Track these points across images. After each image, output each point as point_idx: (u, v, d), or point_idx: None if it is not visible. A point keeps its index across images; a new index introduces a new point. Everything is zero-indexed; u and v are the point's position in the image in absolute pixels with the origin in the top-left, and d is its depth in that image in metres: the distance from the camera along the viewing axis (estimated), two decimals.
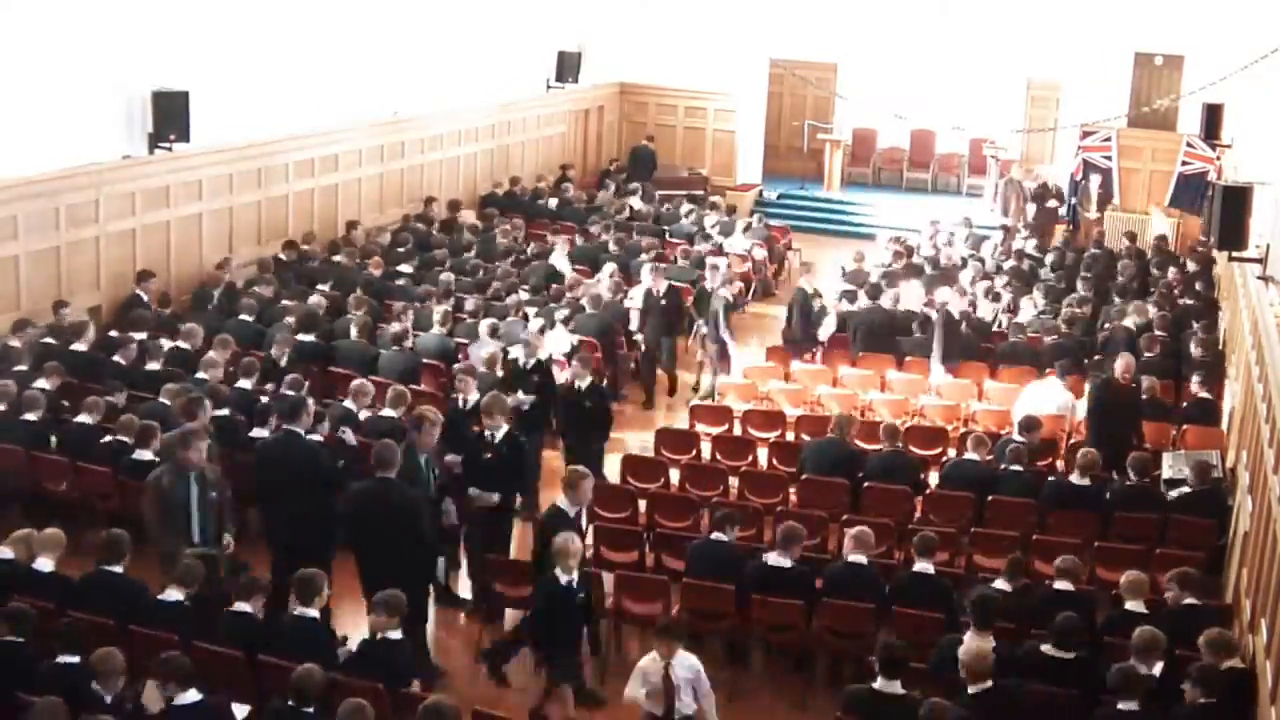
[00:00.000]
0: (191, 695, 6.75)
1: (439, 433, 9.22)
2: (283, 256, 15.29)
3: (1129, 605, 8.09)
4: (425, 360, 12.72)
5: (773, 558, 8.68)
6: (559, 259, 16.23)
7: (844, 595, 8.53)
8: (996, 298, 15.60)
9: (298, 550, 8.63)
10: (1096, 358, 13.34)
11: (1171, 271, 16.77)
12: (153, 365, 11.66)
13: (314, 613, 7.71)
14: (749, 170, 23.91)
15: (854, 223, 22.49)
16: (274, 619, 7.90)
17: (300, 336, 12.70)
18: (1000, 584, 8.36)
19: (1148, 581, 8.23)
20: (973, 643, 7.31)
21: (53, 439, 10.59)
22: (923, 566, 8.56)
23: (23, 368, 11.26)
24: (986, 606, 7.69)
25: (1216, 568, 9.74)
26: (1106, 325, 14.33)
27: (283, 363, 11.99)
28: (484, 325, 12.88)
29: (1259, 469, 9.06)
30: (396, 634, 7.44)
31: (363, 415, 10.90)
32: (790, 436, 11.98)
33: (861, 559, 8.63)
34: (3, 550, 8.25)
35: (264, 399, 11.19)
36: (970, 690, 7.02)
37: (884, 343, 13.87)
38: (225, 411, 10.77)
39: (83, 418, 10.56)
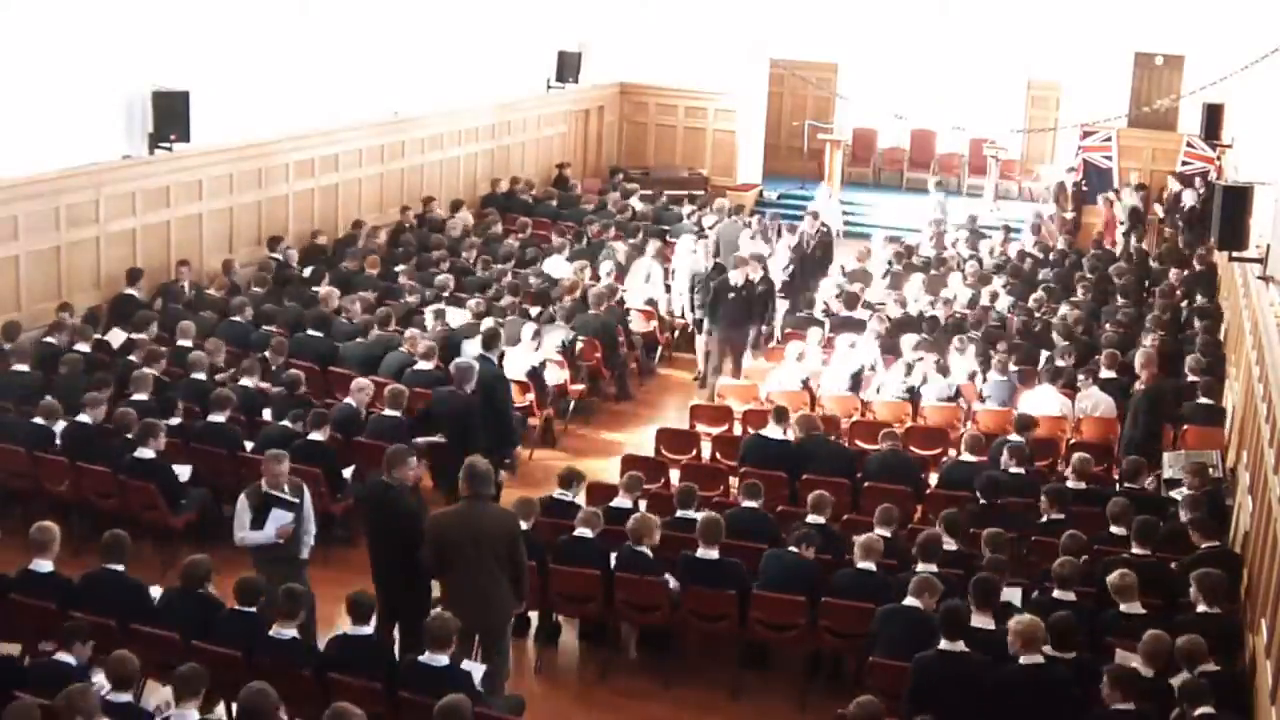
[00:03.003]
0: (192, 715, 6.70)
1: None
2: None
3: (1124, 608, 8.06)
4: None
5: (700, 550, 8.77)
6: (554, 263, 16.25)
7: (852, 599, 8.52)
8: (995, 298, 15.60)
9: (398, 598, 8.43)
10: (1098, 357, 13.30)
11: (1172, 273, 16.76)
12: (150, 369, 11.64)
13: (291, 632, 7.57)
14: (749, 170, 23.90)
15: (854, 223, 22.48)
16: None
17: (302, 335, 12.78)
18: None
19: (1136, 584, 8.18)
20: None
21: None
22: (924, 568, 8.56)
23: (23, 368, 11.26)
24: (986, 587, 7.75)
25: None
26: (1108, 325, 14.34)
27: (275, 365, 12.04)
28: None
29: (1259, 469, 9.06)
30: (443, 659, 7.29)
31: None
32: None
33: (870, 566, 8.64)
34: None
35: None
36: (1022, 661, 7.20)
37: None
38: (224, 416, 10.80)
39: (82, 417, 10.53)
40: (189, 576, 7.93)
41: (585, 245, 17.23)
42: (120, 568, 8.10)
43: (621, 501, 9.66)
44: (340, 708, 6.36)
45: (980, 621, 7.63)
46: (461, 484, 8.07)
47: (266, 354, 12.07)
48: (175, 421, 10.74)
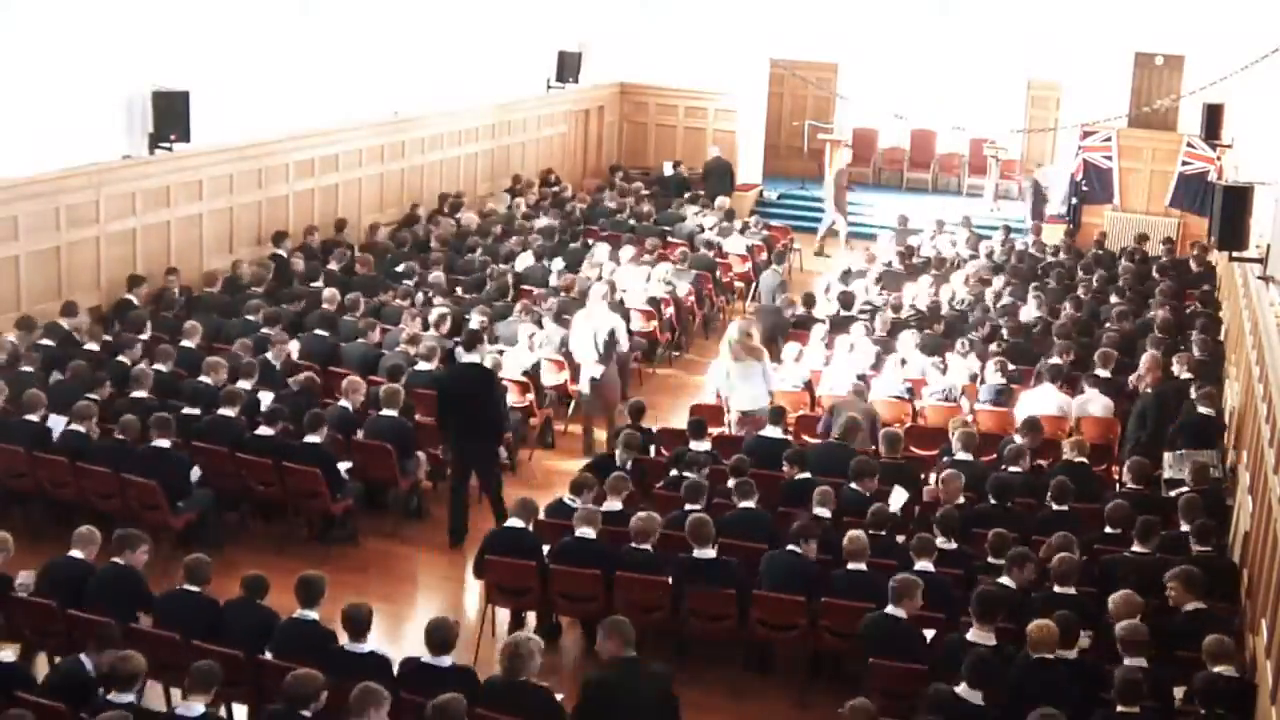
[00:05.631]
0: (197, 708, 6.73)
1: None
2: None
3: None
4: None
5: (696, 550, 8.79)
6: (525, 260, 16.32)
7: (847, 599, 8.52)
8: (997, 298, 15.60)
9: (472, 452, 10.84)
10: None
11: (1167, 275, 16.77)
12: (160, 366, 11.63)
13: (314, 615, 7.70)
14: (749, 170, 23.90)
15: (854, 223, 22.46)
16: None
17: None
18: (1006, 580, 8.35)
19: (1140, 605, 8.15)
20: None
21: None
22: (923, 565, 8.58)
23: (28, 369, 11.26)
24: (989, 600, 7.71)
25: None
26: (1109, 326, 14.33)
27: (278, 365, 12.04)
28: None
29: (1259, 469, 9.06)
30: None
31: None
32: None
33: (861, 566, 8.65)
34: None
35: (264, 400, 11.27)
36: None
37: None
38: (232, 411, 10.82)
39: (77, 426, 10.46)
40: (249, 588, 7.98)
41: (557, 243, 17.27)
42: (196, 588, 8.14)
43: (612, 504, 9.65)
44: (368, 687, 6.43)
45: (979, 637, 7.60)
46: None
47: (269, 355, 12.08)
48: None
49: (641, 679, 7.05)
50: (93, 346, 12.05)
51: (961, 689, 7.01)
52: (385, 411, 11.06)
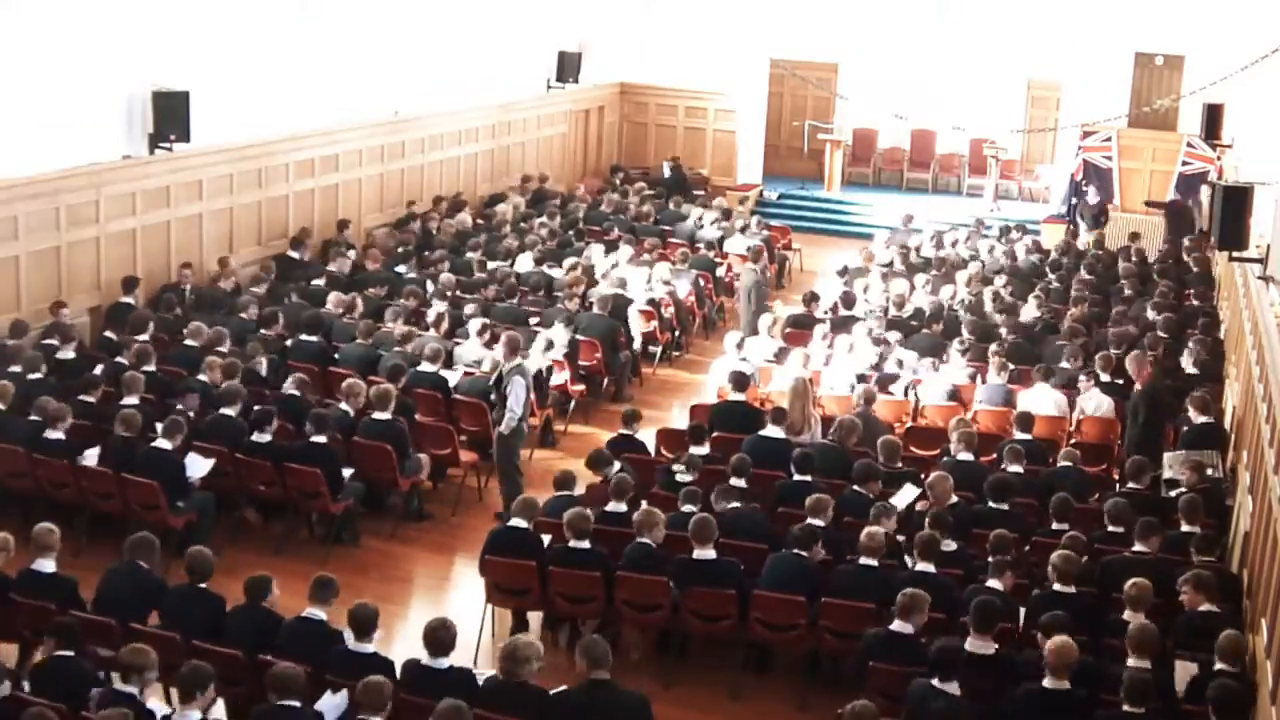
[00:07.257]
0: (193, 715, 6.70)
1: None
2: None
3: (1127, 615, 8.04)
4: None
5: (696, 551, 8.77)
6: (524, 260, 16.34)
7: (852, 597, 8.52)
8: (997, 298, 15.58)
9: None
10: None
11: (1167, 275, 16.77)
12: (149, 367, 11.59)
13: (322, 615, 7.72)
14: (749, 170, 23.91)
15: (854, 223, 22.50)
16: None
17: (303, 337, 12.78)
18: (993, 583, 8.35)
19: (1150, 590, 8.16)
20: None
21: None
22: (924, 567, 8.57)
23: (20, 369, 11.25)
24: (988, 611, 7.68)
25: None
26: (1111, 327, 14.33)
27: (262, 371, 12.01)
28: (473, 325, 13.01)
29: (1259, 469, 9.06)
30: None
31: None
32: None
33: (872, 563, 8.64)
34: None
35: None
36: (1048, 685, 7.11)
37: None
38: (234, 411, 10.82)
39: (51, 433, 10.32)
40: (251, 591, 7.93)
41: (556, 245, 17.25)
42: (142, 563, 8.18)
43: (615, 506, 9.65)
44: (372, 682, 6.50)
45: (978, 646, 7.56)
46: None
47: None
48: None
49: (611, 705, 7.01)
50: (68, 354, 11.90)
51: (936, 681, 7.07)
52: (378, 414, 11.01)
